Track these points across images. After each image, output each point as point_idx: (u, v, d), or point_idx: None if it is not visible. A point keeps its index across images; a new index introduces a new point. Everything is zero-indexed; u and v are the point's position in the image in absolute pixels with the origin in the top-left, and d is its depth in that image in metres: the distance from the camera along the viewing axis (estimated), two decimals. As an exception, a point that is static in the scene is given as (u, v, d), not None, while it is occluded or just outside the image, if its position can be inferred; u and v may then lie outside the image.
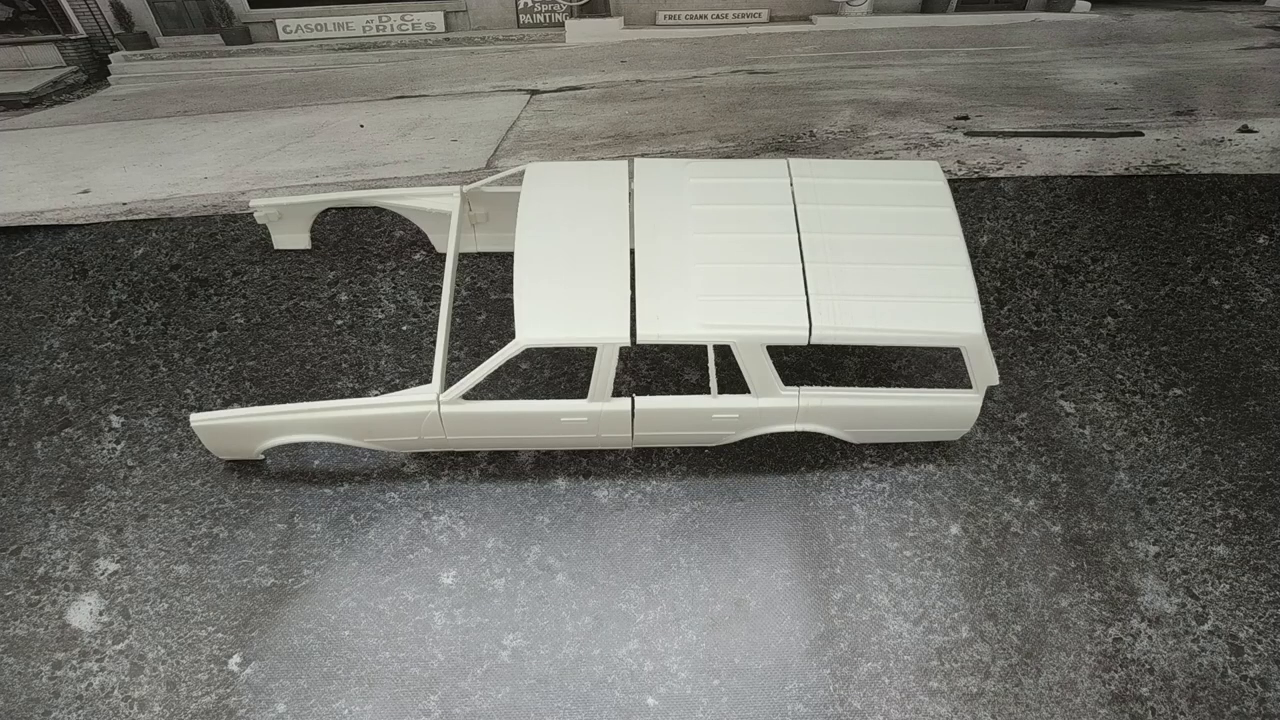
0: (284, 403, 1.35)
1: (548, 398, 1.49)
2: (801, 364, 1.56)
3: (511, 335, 1.25)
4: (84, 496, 1.42)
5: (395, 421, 1.34)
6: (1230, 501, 1.45)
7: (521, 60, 2.05)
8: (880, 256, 1.33)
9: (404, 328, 1.61)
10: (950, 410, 1.38)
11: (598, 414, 1.33)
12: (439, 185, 1.64)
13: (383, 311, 1.63)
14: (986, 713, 1.26)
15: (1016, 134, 1.94)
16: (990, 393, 1.51)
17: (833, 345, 1.40)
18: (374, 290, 1.66)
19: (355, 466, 1.46)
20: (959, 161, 1.88)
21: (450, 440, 1.39)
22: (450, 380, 1.32)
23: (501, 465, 1.47)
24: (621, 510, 1.43)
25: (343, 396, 1.52)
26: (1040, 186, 1.86)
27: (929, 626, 1.33)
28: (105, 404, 1.51)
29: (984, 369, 1.32)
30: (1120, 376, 1.58)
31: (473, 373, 1.29)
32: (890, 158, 1.86)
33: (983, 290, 1.60)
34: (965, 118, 1.97)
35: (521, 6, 2.01)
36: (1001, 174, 1.87)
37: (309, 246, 1.70)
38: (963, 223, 1.38)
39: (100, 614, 1.32)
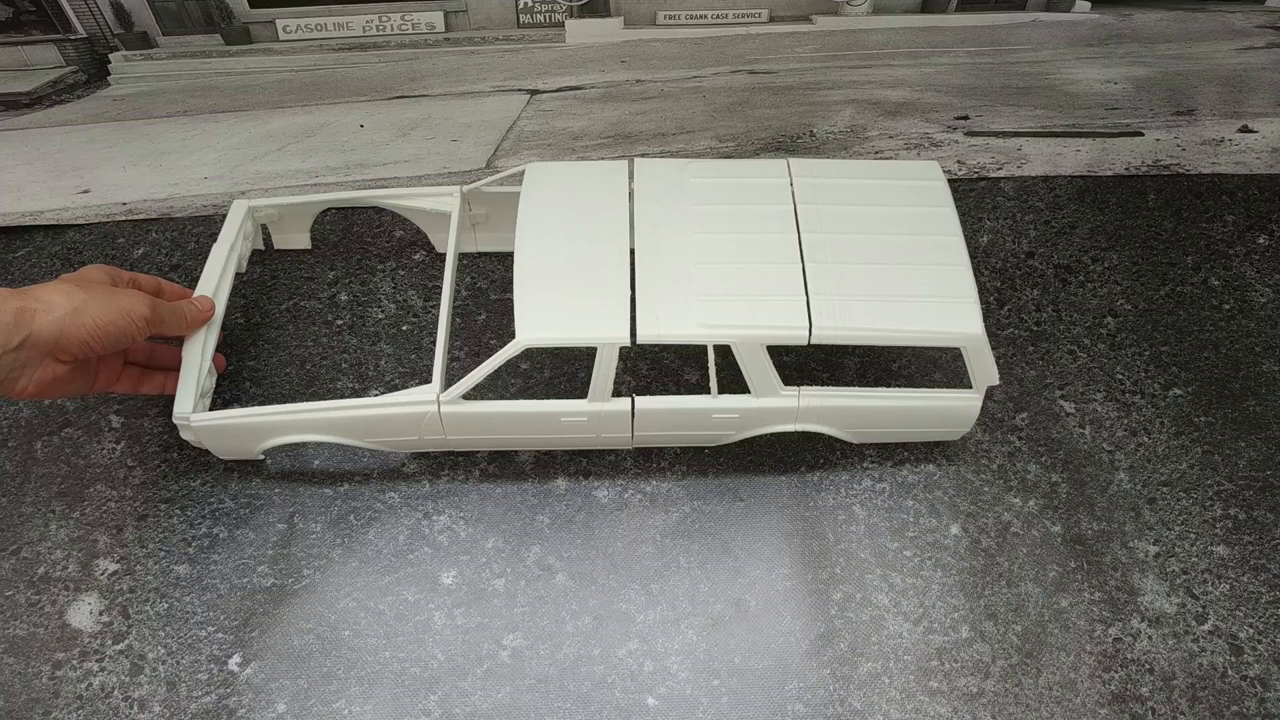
0: (284, 403, 1.34)
1: (548, 398, 1.48)
2: (801, 364, 1.56)
3: (511, 335, 1.24)
4: (84, 496, 1.42)
5: (395, 421, 1.33)
6: (1230, 501, 1.45)
7: (521, 60, 2.05)
8: (880, 256, 1.33)
9: (404, 328, 1.61)
10: (950, 410, 1.38)
11: (598, 414, 1.33)
12: (439, 185, 1.64)
13: (383, 311, 1.63)
14: (986, 713, 1.26)
15: (1016, 134, 1.94)
16: (990, 393, 1.51)
17: (833, 345, 1.39)
18: (374, 290, 1.66)
19: (355, 466, 1.45)
20: (959, 161, 1.87)
21: (450, 440, 1.38)
22: (450, 380, 1.31)
23: (501, 465, 1.46)
24: (621, 510, 1.42)
25: (343, 396, 1.52)
26: (1040, 186, 1.86)
27: (929, 626, 1.32)
28: (105, 404, 1.51)
29: (984, 369, 1.32)
30: (1120, 376, 1.58)
31: (473, 373, 1.29)
32: (890, 158, 1.86)
33: (983, 290, 1.60)
34: (965, 118, 1.97)
35: (521, 6, 2.00)
36: (1001, 174, 1.87)
37: (309, 246, 1.70)
38: (963, 223, 1.38)
39: (100, 614, 1.32)
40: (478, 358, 1.46)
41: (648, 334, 1.24)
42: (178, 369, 1.28)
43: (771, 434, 1.40)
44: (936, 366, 1.57)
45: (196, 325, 1.27)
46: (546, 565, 1.37)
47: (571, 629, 1.32)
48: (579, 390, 1.33)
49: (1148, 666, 1.30)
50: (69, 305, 1.05)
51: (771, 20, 2.08)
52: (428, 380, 1.31)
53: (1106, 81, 2.05)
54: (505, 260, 1.68)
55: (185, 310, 1.24)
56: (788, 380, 1.32)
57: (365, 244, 1.72)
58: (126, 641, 1.30)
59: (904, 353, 1.58)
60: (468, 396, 1.30)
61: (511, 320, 1.24)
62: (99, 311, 1.07)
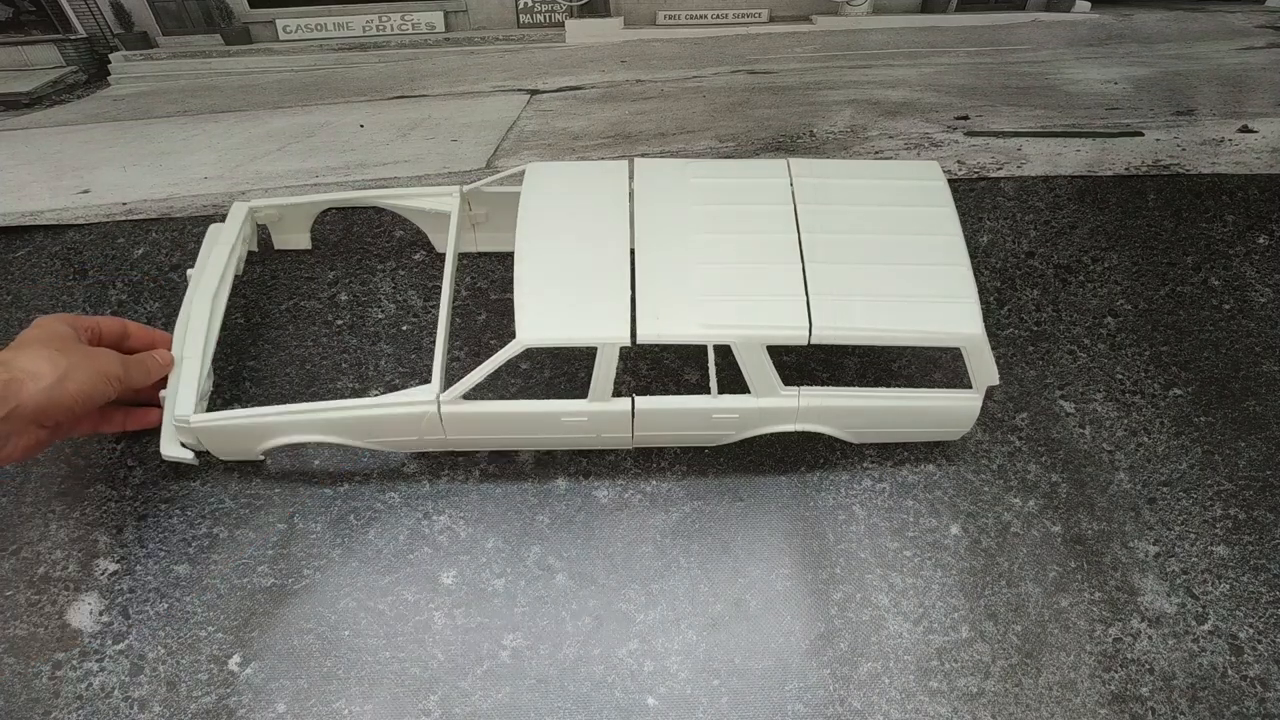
0: (284, 403, 1.34)
1: (548, 398, 1.48)
2: (801, 364, 1.56)
3: (511, 335, 1.25)
4: (84, 496, 1.42)
5: (395, 421, 1.33)
6: (1230, 501, 1.45)
7: (521, 60, 2.05)
8: (880, 256, 1.33)
9: (404, 328, 1.61)
10: (950, 410, 1.38)
11: (598, 414, 1.33)
12: (439, 185, 1.64)
13: (383, 311, 1.63)
14: (986, 713, 1.26)
15: (1016, 134, 1.94)
16: (990, 393, 1.51)
17: (833, 345, 1.39)
18: (374, 290, 1.66)
19: (355, 466, 1.45)
20: (959, 161, 1.87)
21: (450, 440, 1.38)
22: (450, 380, 1.31)
23: (501, 465, 1.46)
24: (621, 510, 1.43)
25: (343, 396, 1.52)
26: (1040, 186, 1.86)
27: (929, 626, 1.33)
28: (105, 404, 1.51)
29: (984, 369, 1.32)
30: (1120, 376, 1.58)
31: (473, 373, 1.29)
32: (890, 158, 1.86)
33: (983, 290, 1.60)
34: (965, 118, 1.97)
35: (521, 6, 2.00)
36: (1001, 174, 1.87)
37: (309, 247, 1.70)
38: (963, 223, 1.38)
39: (100, 614, 1.32)
40: (478, 358, 1.46)
41: (648, 334, 1.24)
42: (135, 405, 1.32)
43: (771, 434, 1.40)
44: (936, 366, 1.57)
45: (158, 378, 1.29)
46: (546, 565, 1.37)
47: (571, 629, 1.32)
48: (579, 390, 1.33)
49: (1148, 666, 1.30)
50: (54, 374, 1.06)
51: (771, 20, 2.08)
52: (428, 380, 1.31)
53: (1106, 81, 2.05)
54: (505, 260, 1.68)
55: (149, 364, 1.26)
56: (788, 380, 1.32)
57: (365, 244, 1.72)
58: (126, 641, 1.30)
59: (904, 353, 1.58)
60: (468, 396, 1.30)
61: (511, 320, 1.24)
62: (83, 378, 1.09)
